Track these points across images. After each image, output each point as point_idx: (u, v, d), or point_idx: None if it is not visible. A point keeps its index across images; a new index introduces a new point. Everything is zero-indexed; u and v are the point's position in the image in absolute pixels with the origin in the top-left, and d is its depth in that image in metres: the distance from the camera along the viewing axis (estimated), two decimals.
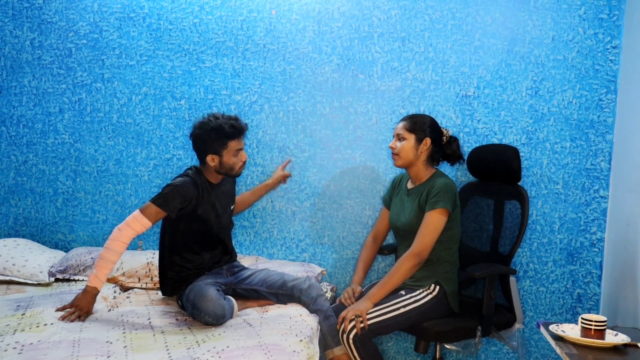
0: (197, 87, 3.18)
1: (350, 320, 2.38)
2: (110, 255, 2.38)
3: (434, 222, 2.47)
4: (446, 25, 2.98)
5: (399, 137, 2.59)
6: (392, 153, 2.62)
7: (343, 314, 2.41)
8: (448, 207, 2.47)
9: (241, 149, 2.55)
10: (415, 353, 3.06)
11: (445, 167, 2.91)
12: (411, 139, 2.57)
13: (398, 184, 2.78)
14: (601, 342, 1.90)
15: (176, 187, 2.44)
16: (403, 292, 2.51)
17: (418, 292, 2.50)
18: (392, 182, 2.83)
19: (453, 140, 2.67)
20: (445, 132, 2.65)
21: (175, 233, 2.53)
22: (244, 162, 2.58)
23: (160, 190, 2.47)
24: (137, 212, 2.41)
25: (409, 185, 2.68)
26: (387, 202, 2.81)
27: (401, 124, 2.60)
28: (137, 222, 2.39)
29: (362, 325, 2.37)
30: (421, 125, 2.57)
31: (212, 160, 2.52)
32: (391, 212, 2.74)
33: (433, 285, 2.52)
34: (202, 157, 2.55)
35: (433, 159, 2.64)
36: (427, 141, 2.57)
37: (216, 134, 2.48)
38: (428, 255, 2.48)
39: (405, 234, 2.62)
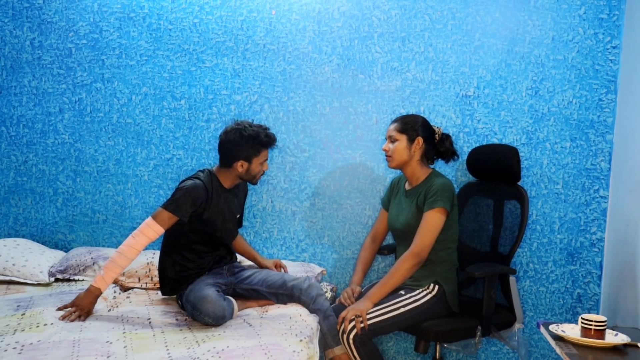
0: (197, 87, 3.18)
1: (350, 320, 2.38)
2: (121, 260, 2.37)
3: (433, 221, 2.47)
4: (446, 25, 2.98)
5: (391, 139, 2.59)
6: (386, 155, 2.62)
7: (343, 314, 2.41)
8: (446, 207, 2.47)
9: (267, 159, 2.58)
10: (415, 353, 3.07)
11: (444, 167, 2.91)
12: (403, 139, 2.57)
13: (396, 185, 2.77)
14: (601, 342, 1.90)
15: (187, 190, 2.42)
16: (402, 292, 2.51)
17: (417, 291, 2.50)
18: (391, 184, 2.82)
19: (445, 137, 2.67)
20: (437, 130, 2.65)
21: (179, 233, 2.53)
22: (264, 172, 2.60)
23: (170, 195, 2.45)
24: (149, 219, 2.40)
25: (407, 186, 2.68)
26: (386, 203, 2.81)
27: (392, 126, 2.61)
28: (150, 229, 2.38)
29: (362, 325, 2.37)
30: (412, 125, 2.57)
31: (241, 166, 2.51)
32: (390, 213, 2.74)
33: (432, 285, 2.51)
34: (229, 161, 2.52)
35: (427, 158, 2.64)
36: (420, 140, 2.57)
37: (253, 141, 2.48)
38: (428, 254, 2.48)
39: (403, 235, 2.62)
